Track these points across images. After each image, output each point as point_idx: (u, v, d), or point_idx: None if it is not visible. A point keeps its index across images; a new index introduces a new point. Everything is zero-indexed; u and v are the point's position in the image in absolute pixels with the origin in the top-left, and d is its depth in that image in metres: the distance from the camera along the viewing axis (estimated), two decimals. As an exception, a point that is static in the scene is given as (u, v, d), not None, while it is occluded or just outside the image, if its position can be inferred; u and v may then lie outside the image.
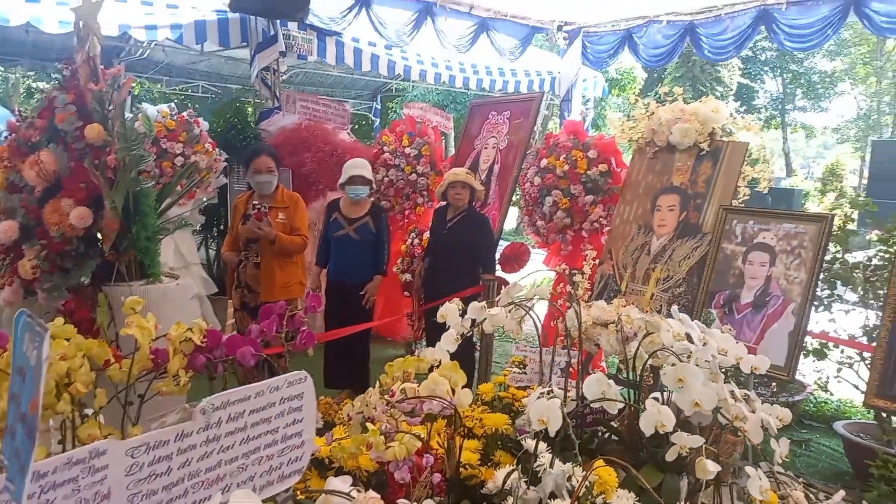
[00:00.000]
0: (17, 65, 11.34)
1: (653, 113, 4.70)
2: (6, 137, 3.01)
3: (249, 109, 7.18)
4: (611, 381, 1.76)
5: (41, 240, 2.83)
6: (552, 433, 1.59)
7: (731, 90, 20.83)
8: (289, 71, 8.03)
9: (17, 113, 3.16)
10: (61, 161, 2.81)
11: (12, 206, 2.88)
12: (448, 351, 1.89)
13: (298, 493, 1.60)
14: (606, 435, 2.09)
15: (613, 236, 4.77)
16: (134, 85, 6.89)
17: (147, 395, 1.59)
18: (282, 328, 1.84)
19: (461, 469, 1.82)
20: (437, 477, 1.62)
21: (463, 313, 2.02)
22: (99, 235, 2.94)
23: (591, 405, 1.87)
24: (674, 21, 7.15)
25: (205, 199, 5.62)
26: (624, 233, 4.67)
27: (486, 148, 5.87)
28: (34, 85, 16.65)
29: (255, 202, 3.95)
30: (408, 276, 5.28)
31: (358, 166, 4.36)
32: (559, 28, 8.11)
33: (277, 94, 6.24)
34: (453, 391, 1.74)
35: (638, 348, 2.01)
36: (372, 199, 4.64)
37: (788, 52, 22.02)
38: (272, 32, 6.10)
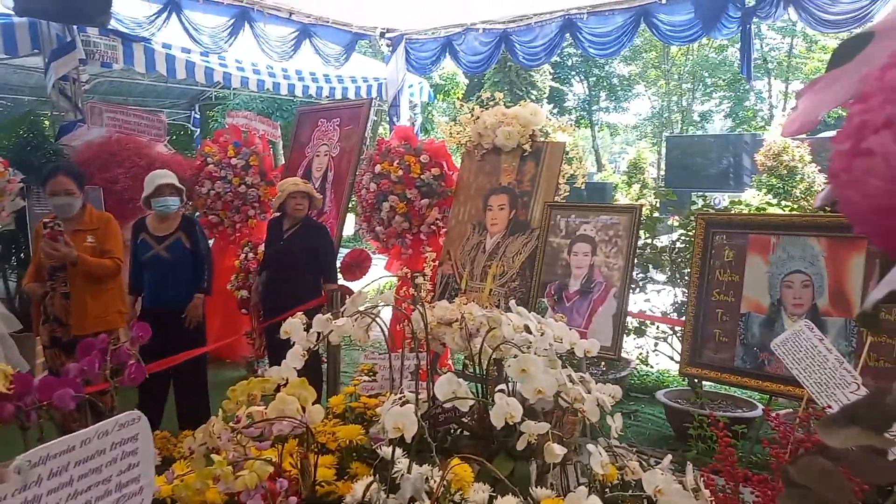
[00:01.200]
0: None
1: (478, 117, 4.91)
2: None
3: (47, 123, 6.44)
4: (460, 380, 1.80)
5: None
6: (408, 439, 1.59)
7: (545, 94, 22.37)
8: (91, 80, 7.33)
9: None
10: None
11: None
12: (295, 367, 1.83)
13: (140, 541, 1.46)
14: (459, 432, 2.13)
15: (450, 237, 4.91)
16: None
17: (-59, 459, 1.36)
18: (105, 363, 1.67)
19: (317, 487, 1.77)
20: (293, 500, 1.56)
21: (307, 327, 1.96)
22: None
23: (443, 405, 1.90)
24: (489, 29, 7.52)
25: (-1, 225, 4.96)
26: (460, 233, 4.83)
27: (318, 156, 5.78)
28: None
29: (45, 220, 3.50)
30: (244, 293, 5.05)
31: (163, 175, 3.99)
32: (382, 35, 8.19)
33: (80, 105, 5.66)
34: (303, 408, 1.68)
35: (482, 344, 2.07)
36: (183, 211, 4.20)
37: (592, 58, 24.07)
38: (69, 38, 5.53)
